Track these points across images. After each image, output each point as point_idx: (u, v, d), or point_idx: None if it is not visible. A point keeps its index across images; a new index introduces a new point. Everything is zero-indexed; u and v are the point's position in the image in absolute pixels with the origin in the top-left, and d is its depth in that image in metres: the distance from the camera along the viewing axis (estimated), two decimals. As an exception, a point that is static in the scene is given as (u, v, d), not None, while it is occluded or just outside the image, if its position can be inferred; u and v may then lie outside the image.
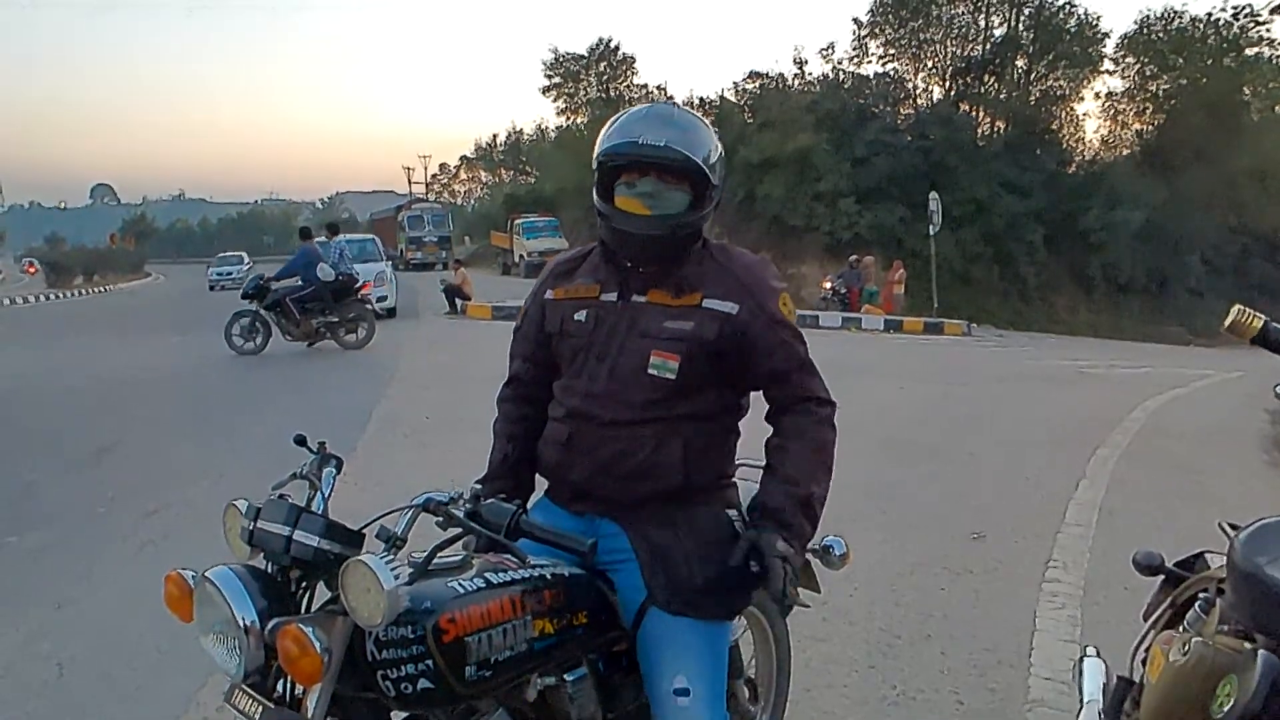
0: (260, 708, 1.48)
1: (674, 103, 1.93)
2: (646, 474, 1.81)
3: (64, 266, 40.35)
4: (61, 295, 33.27)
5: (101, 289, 37.86)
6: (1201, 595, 1.93)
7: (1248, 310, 1.97)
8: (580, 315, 1.89)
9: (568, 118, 46.54)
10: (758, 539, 1.78)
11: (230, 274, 36.75)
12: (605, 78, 45.53)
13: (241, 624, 1.44)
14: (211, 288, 35.19)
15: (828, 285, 21.08)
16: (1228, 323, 1.98)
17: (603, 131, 1.84)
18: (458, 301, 18.80)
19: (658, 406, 1.81)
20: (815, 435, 1.86)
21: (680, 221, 1.80)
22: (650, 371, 1.80)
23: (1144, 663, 1.95)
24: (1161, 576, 2.22)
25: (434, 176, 77.08)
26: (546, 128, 51.77)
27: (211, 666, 1.53)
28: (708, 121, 1.94)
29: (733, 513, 1.91)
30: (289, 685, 1.50)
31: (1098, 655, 2.28)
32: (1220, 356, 15.96)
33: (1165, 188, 28.54)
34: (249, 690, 1.50)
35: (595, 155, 1.82)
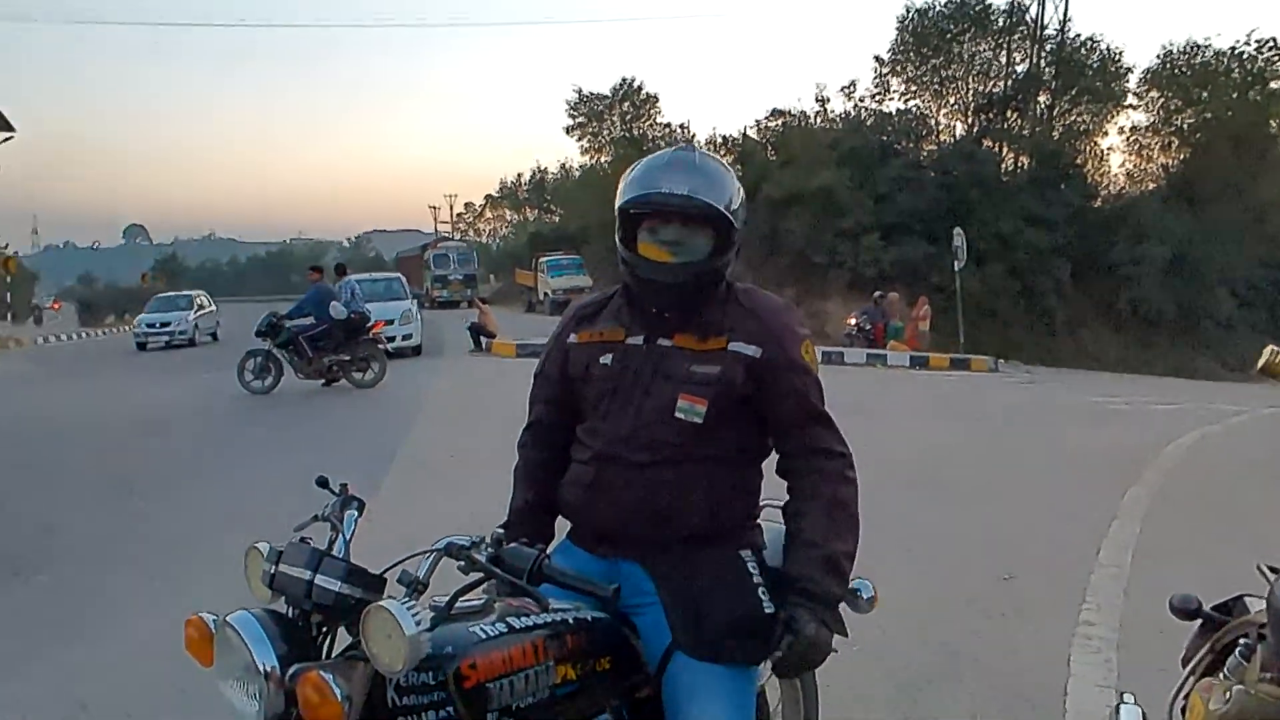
0: (279, 755, 1.46)
1: (693, 147, 1.94)
2: (671, 517, 1.79)
3: (97, 305, 41.06)
4: (94, 334, 33.86)
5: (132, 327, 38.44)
6: (1242, 641, 1.87)
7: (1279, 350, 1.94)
8: (605, 359, 1.89)
9: (592, 156, 47.02)
10: (790, 620, 1.75)
11: (169, 326, 23.67)
12: (629, 117, 45.99)
13: (262, 670, 1.42)
14: (140, 346, 23.16)
15: (852, 322, 20.98)
16: (1260, 364, 1.95)
17: (623, 179, 1.85)
18: (482, 339, 18.91)
19: (682, 449, 1.80)
20: (829, 492, 1.81)
21: (704, 268, 1.81)
22: (678, 415, 1.80)
23: (1184, 710, 1.90)
24: (1199, 621, 2.16)
25: (459, 215, 78.19)
26: (571, 166, 52.35)
27: (233, 712, 1.52)
28: (728, 164, 1.94)
29: (752, 554, 1.88)
30: (308, 732, 1.48)
31: (1134, 702, 2.21)
32: (1254, 391, 15.67)
33: (1193, 221, 28.25)
34: (268, 737, 1.48)
35: (618, 204, 1.83)
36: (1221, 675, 1.90)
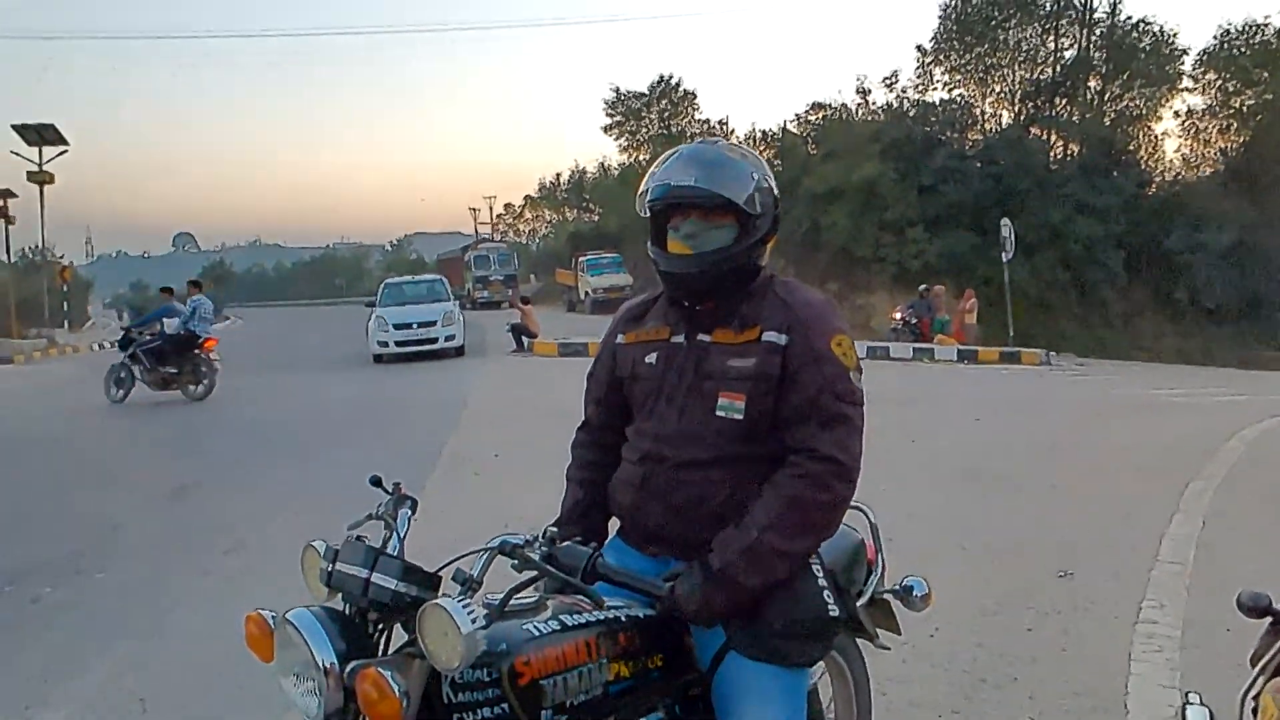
0: (338, 750, 1.48)
1: (708, 140, 1.95)
2: (721, 517, 1.77)
3: (148, 312, 42.01)
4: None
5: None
6: (1316, 640, 1.80)
7: None
8: (650, 358, 1.90)
9: (630, 155, 47.01)
10: (676, 576, 1.74)
11: None
12: (666, 114, 45.91)
13: (321, 666, 1.44)
14: None
15: (897, 316, 20.73)
16: None
17: (644, 180, 1.87)
18: (524, 339, 19.03)
19: (730, 448, 1.78)
20: (793, 490, 1.71)
21: (724, 256, 1.80)
22: (719, 413, 1.78)
23: (1255, 712, 1.83)
24: (1270, 619, 2.09)
25: (499, 216, 78.51)
26: (609, 165, 52.42)
27: (288, 704, 1.54)
28: (751, 152, 1.94)
29: (816, 557, 1.85)
30: (366, 728, 1.50)
31: (1201, 702, 2.14)
32: (1320, 382, 15.15)
33: (1254, 207, 27.36)
34: (327, 733, 1.50)
35: (641, 204, 1.86)
36: (1294, 675, 1.82)
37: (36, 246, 36.25)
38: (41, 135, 28.96)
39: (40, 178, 29.45)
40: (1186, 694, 2.21)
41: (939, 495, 6.01)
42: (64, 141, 29.63)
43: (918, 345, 18.64)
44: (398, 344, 17.33)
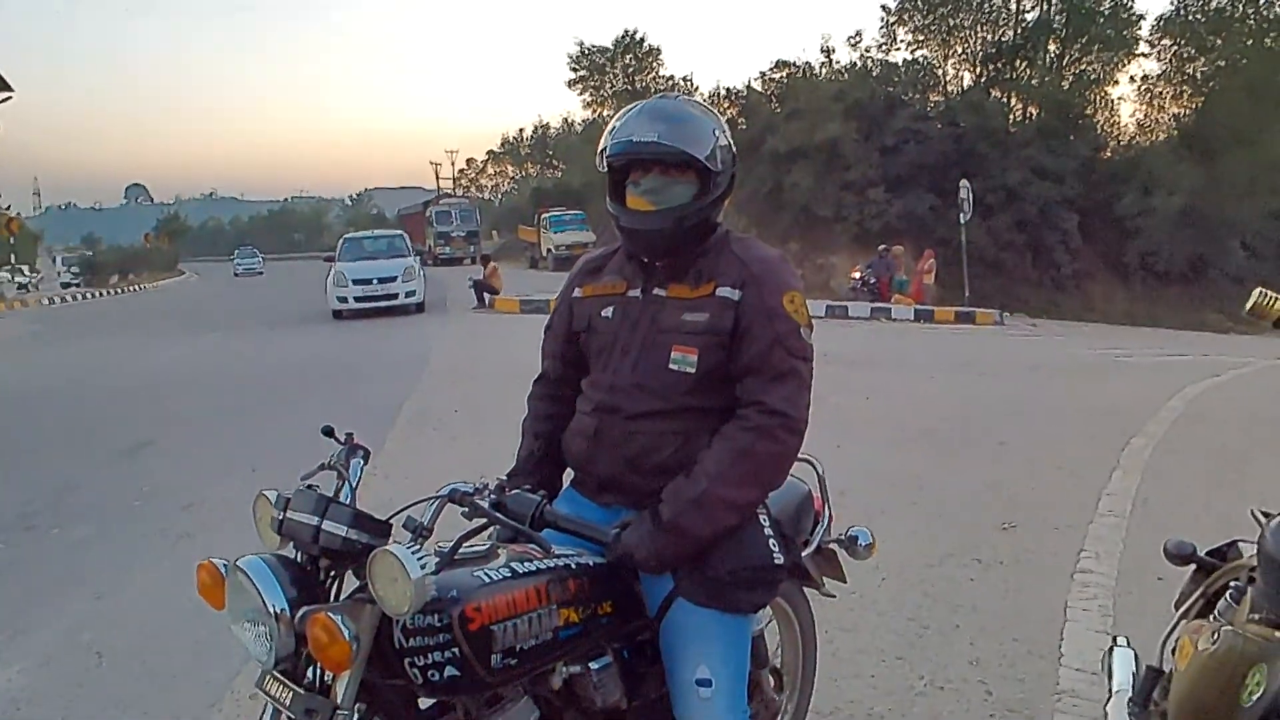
0: (291, 694, 1.51)
1: (669, 95, 1.95)
2: (673, 469, 1.81)
3: (100, 266, 40.98)
4: (98, 294, 33.84)
5: (136, 287, 38.43)
6: (1233, 584, 1.91)
7: (1269, 293, 1.97)
8: (607, 312, 1.92)
9: (594, 110, 46.50)
10: (625, 525, 1.79)
11: None
12: (631, 70, 45.42)
13: (272, 612, 1.47)
14: None
15: (856, 275, 20.93)
16: (1248, 306, 1.98)
17: (604, 135, 1.86)
18: (485, 295, 18.91)
19: (682, 400, 1.82)
20: (743, 441, 1.75)
21: (685, 212, 1.81)
22: (671, 366, 1.81)
23: (1174, 652, 1.93)
24: (1193, 566, 2.20)
25: (461, 172, 77.52)
26: (573, 121, 51.88)
27: (246, 657, 1.56)
28: (711, 108, 1.94)
29: (762, 506, 1.90)
30: (319, 672, 1.54)
31: (1128, 645, 2.26)
32: (1261, 344, 15.62)
33: (1204, 172, 27.85)
34: (279, 677, 1.53)
35: (598, 160, 1.86)
36: (1212, 617, 1.93)
37: (-21, 197, 35.04)
38: (-18, 81, 27.84)
39: (-19, 125, 28.38)
40: (1114, 637, 2.33)
41: (893, 452, 6.14)
42: (8, 88, 28.51)
43: (876, 305, 18.85)
44: (357, 300, 17.13)
